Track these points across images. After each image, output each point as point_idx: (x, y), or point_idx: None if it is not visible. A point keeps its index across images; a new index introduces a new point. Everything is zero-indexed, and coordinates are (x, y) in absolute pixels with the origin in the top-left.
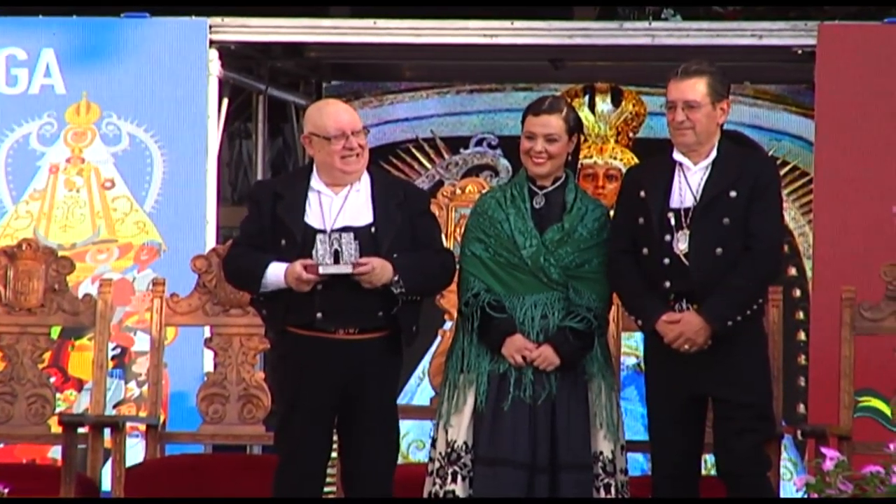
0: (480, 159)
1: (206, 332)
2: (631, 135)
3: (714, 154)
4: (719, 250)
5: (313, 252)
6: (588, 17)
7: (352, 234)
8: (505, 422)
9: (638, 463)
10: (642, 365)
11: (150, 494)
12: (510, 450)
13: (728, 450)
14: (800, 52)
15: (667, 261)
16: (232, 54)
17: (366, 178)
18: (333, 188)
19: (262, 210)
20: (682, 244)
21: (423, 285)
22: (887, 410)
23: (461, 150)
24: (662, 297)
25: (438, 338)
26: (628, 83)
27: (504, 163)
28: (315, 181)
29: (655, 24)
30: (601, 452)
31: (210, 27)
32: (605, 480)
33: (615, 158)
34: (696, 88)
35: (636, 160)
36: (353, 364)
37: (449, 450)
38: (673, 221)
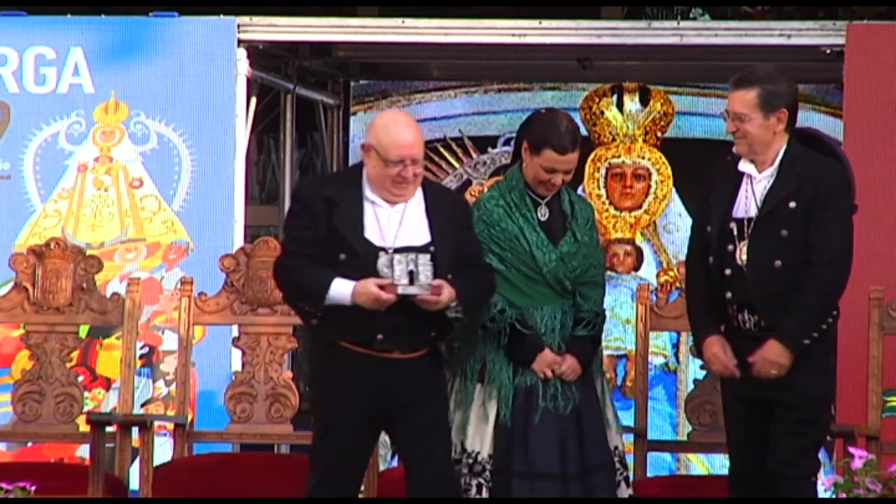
0: (508, 159)
1: (234, 331)
2: (659, 134)
3: (778, 162)
4: (778, 263)
5: (384, 270)
6: (616, 17)
7: (427, 256)
8: (538, 435)
9: (665, 463)
10: (670, 364)
11: (178, 494)
12: (546, 462)
13: (771, 450)
14: (828, 51)
15: (728, 271)
16: (260, 53)
17: (418, 192)
18: (387, 202)
19: (315, 217)
20: (743, 255)
21: (475, 308)
22: None
23: (489, 150)
24: (723, 308)
25: None
26: (656, 83)
27: None
28: (368, 191)
29: (684, 23)
30: (616, 448)
31: (238, 26)
32: (625, 474)
33: (643, 158)
34: (744, 100)
35: (664, 160)
36: (406, 382)
37: (470, 460)
38: (735, 231)
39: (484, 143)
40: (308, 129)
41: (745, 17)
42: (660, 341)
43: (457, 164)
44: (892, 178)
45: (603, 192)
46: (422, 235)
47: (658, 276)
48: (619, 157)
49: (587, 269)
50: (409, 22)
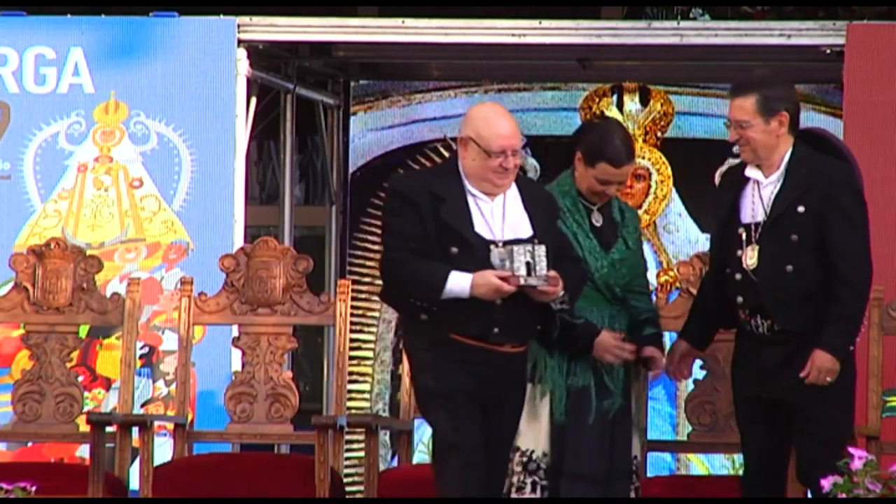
0: None
1: (234, 331)
2: (659, 134)
3: (784, 165)
4: (789, 267)
5: (498, 262)
6: (616, 17)
7: (543, 248)
8: (591, 437)
9: (665, 463)
10: None
11: (178, 494)
12: (593, 465)
13: (800, 454)
14: (828, 51)
15: (738, 276)
16: (260, 53)
17: (512, 185)
18: (487, 195)
19: (421, 212)
20: (750, 260)
21: (575, 298)
22: None
23: None
24: (734, 312)
25: None
26: (656, 83)
27: (532, 162)
28: (468, 185)
29: (684, 23)
30: (636, 456)
31: (238, 26)
32: (636, 484)
33: (643, 158)
34: (744, 107)
35: (664, 160)
36: (508, 377)
37: (525, 458)
38: (744, 236)
39: None
40: (308, 129)
41: (746, 17)
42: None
43: None
44: (892, 177)
45: None
46: (525, 228)
47: (658, 276)
48: None
49: (635, 276)
50: (409, 22)
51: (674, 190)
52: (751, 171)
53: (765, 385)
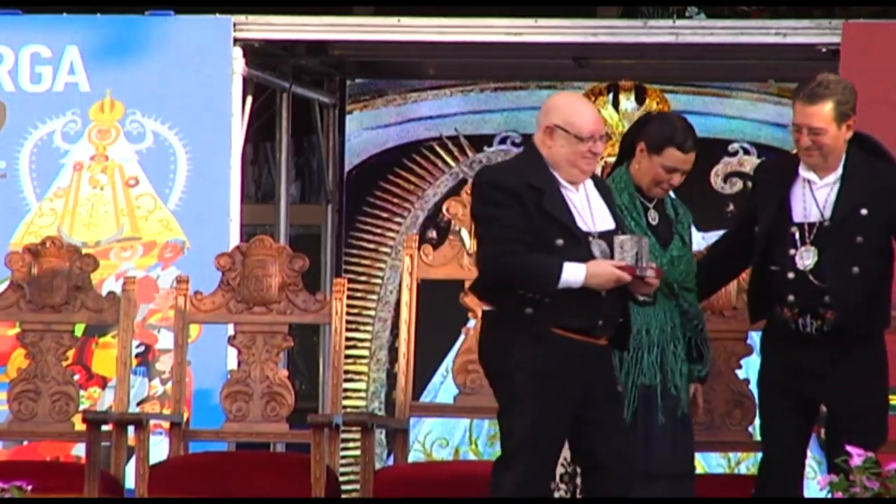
0: (504, 157)
1: (230, 329)
2: None
3: (841, 168)
4: (856, 269)
5: (607, 253)
6: (612, 16)
7: (647, 239)
8: (662, 436)
9: None
10: None
11: (174, 492)
12: (670, 463)
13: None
14: (824, 50)
15: (791, 275)
16: (256, 52)
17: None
18: (573, 185)
19: (525, 204)
20: (806, 260)
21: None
22: None
23: (485, 149)
24: (780, 311)
25: (462, 335)
26: (652, 81)
27: None
28: (558, 176)
29: (679, 22)
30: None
31: (234, 25)
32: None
33: None
34: (821, 114)
35: None
36: (603, 374)
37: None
38: (797, 235)
39: (480, 141)
40: (304, 127)
41: (742, 15)
42: None
43: (453, 163)
44: None
45: None
46: (608, 219)
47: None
48: (615, 155)
49: (689, 272)
50: (405, 21)
51: None
52: (806, 172)
53: (805, 383)
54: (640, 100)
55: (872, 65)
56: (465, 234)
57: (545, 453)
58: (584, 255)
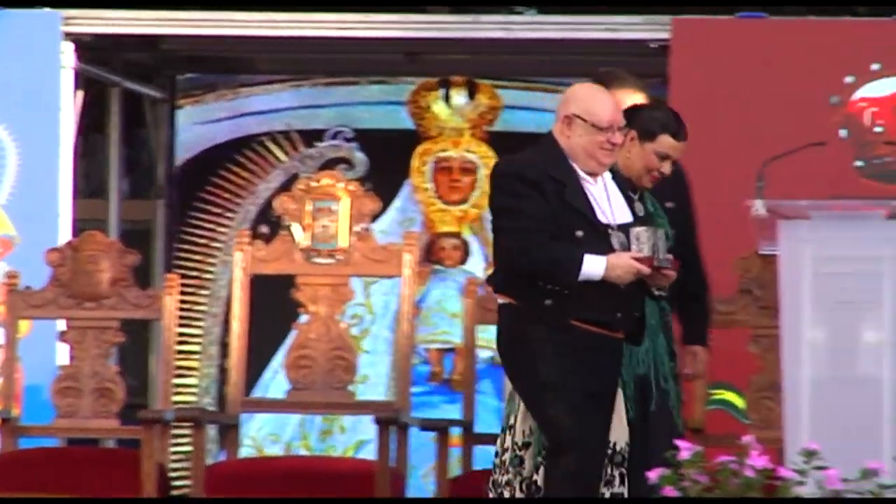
0: (336, 152)
1: (60, 325)
2: (486, 128)
3: None
4: None
5: (626, 245)
6: (443, 11)
7: (664, 231)
8: (657, 424)
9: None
10: (497, 358)
11: (3, 489)
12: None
13: None
14: (654, 45)
15: None
16: (86, 46)
17: None
18: (592, 176)
19: (547, 195)
20: None
21: None
22: (741, 403)
23: (316, 144)
24: None
25: (294, 331)
26: (484, 76)
27: (360, 156)
28: (577, 168)
29: (510, 17)
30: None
31: (64, 19)
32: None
33: (470, 152)
34: None
35: (492, 154)
36: (619, 365)
37: (610, 451)
38: None
39: (311, 136)
40: (135, 122)
41: (573, 11)
42: (487, 335)
43: (284, 158)
44: (716, 171)
45: (430, 185)
46: (626, 211)
47: (485, 269)
48: (446, 150)
49: None
50: (236, 15)
51: None
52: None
53: None
54: (471, 95)
55: (702, 60)
56: (296, 229)
57: (594, 436)
58: (604, 247)
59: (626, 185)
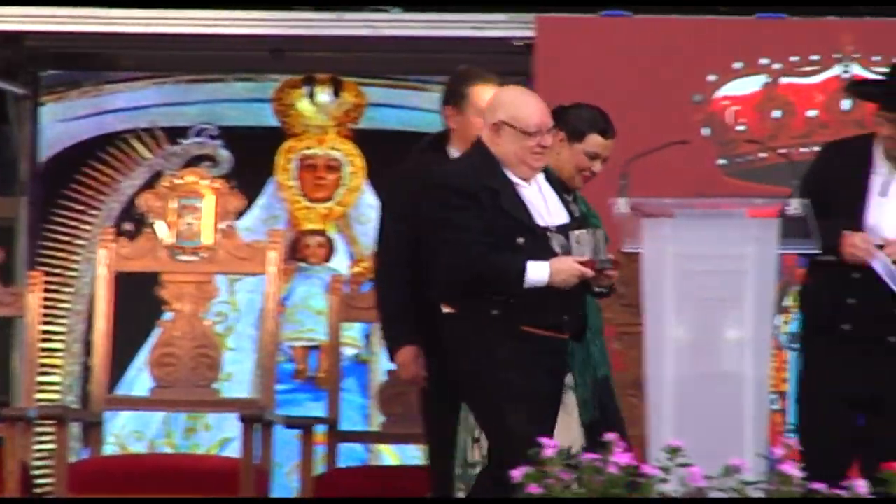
0: (200, 149)
1: None
2: (351, 125)
3: None
4: None
5: (566, 248)
6: (308, 8)
7: (602, 231)
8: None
9: (357, 453)
10: (362, 355)
11: None
12: None
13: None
14: (519, 43)
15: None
16: None
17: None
18: (525, 180)
19: (483, 205)
20: None
21: None
22: None
23: (181, 141)
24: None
25: (158, 329)
26: (350, 74)
27: (224, 153)
28: (509, 174)
29: (375, 14)
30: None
31: None
32: None
33: (335, 149)
34: None
35: (356, 151)
36: (566, 365)
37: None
38: None
39: (176, 133)
40: None
41: (438, 9)
42: (352, 332)
43: (148, 155)
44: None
45: (295, 183)
46: (563, 213)
47: (350, 267)
48: (311, 148)
49: None
50: (100, 11)
51: (366, 181)
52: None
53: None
54: (336, 92)
55: (566, 58)
56: (160, 226)
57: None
58: (545, 251)
59: (560, 185)
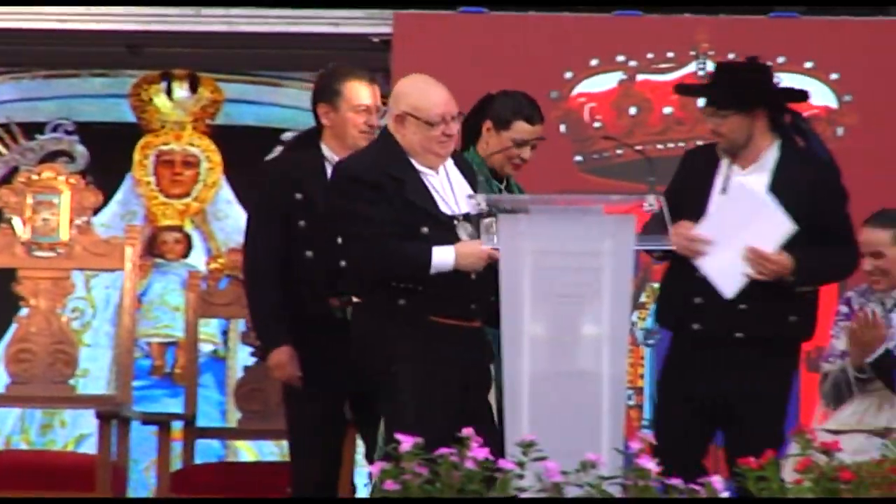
0: (57, 145)
1: None
2: (208, 121)
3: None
4: None
5: (474, 235)
6: (165, 3)
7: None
8: None
9: (214, 450)
10: (220, 351)
11: None
12: None
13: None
14: (376, 40)
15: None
16: None
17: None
18: (432, 168)
19: (386, 195)
20: None
21: None
22: None
23: (37, 136)
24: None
25: (14, 325)
26: (207, 70)
27: (81, 149)
28: (415, 163)
29: (233, 10)
30: None
31: None
32: None
33: (192, 145)
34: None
35: (214, 147)
36: (487, 350)
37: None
38: None
39: (32, 129)
40: None
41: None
42: (209, 328)
43: (4, 151)
44: None
45: (152, 179)
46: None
47: (208, 263)
48: (168, 144)
49: None
50: None
51: (223, 177)
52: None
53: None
54: (193, 88)
55: (424, 55)
56: (17, 222)
57: (443, 433)
58: (452, 240)
59: (491, 173)
